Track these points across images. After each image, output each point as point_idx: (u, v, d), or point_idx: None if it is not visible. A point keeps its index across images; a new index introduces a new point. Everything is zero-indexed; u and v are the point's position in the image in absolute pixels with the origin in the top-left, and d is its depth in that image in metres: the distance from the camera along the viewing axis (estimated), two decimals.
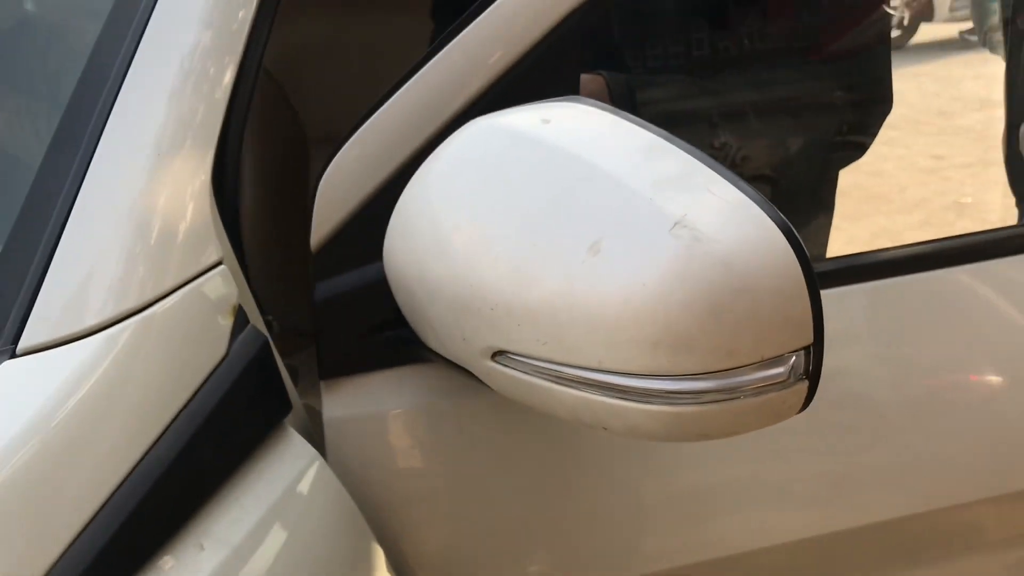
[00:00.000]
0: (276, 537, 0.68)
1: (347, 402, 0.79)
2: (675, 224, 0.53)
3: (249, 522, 0.66)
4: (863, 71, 1.34)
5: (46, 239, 0.66)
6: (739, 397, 0.55)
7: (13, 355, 0.62)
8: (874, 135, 1.31)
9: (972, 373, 0.93)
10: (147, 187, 0.69)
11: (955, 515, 0.93)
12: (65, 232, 0.66)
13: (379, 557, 0.76)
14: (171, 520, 0.63)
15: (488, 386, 0.73)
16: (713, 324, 0.52)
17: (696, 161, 0.57)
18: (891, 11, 1.44)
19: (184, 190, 0.71)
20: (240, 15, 0.79)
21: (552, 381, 0.60)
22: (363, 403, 0.79)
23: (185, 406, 0.65)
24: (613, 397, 0.57)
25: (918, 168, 4.04)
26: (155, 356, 0.65)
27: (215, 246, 0.72)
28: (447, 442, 0.79)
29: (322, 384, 0.79)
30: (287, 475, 0.71)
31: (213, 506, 0.66)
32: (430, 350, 0.74)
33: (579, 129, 0.62)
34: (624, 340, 0.54)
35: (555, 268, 0.57)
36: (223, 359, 0.69)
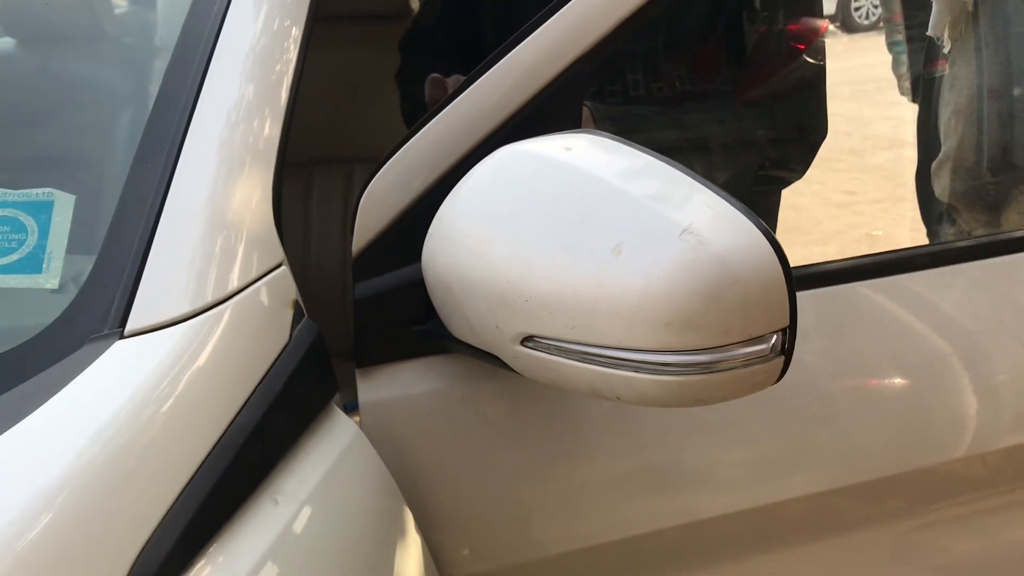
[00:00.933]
0: (333, 496, 0.80)
1: (380, 387, 0.91)
2: (683, 231, 0.68)
3: (311, 482, 0.78)
4: (800, 104, 1.54)
5: (138, 240, 0.77)
6: (730, 368, 0.69)
7: (122, 336, 0.73)
8: (810, 160, 1.51)
9: (883, 369, 1.08)
10: (223, 197, 0.81)
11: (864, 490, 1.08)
12: (157, 233, 0.77)
13: (409, 517, 0.88)
14: (252, 478, 0.74)
15: (506, 370, 0.86)
16: (713, 308, 0.67)
17: (695, 181, 0.72)
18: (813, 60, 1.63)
19: (252, 200, 0.83)
20: (287, 47, 0.91)
21: (576, 359, 0.74)
22: (394, 388, 0.91)
23: (260, 383, 0.77)
24: (628, 370, 0.72)
25: (832, 203, 4.30)
26: (236, 340, 0.77)
27: (279, 248, 0.84)
28: (466, 421, 0.92)
29: (358, 372, 0.92)
30: (338, 445, 0.83)
31: (282, 468, 0.78)
32: (456, 341, 0.87)
33: (597, 154, 0.76)
34: (641, 321, 0.68)
35: (584, 265, 0.71)
36: (286, 345, 0.81)
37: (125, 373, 0.70)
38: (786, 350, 0.71)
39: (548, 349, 0.76)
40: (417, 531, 0.88)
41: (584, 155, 0.76)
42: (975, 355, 1.09)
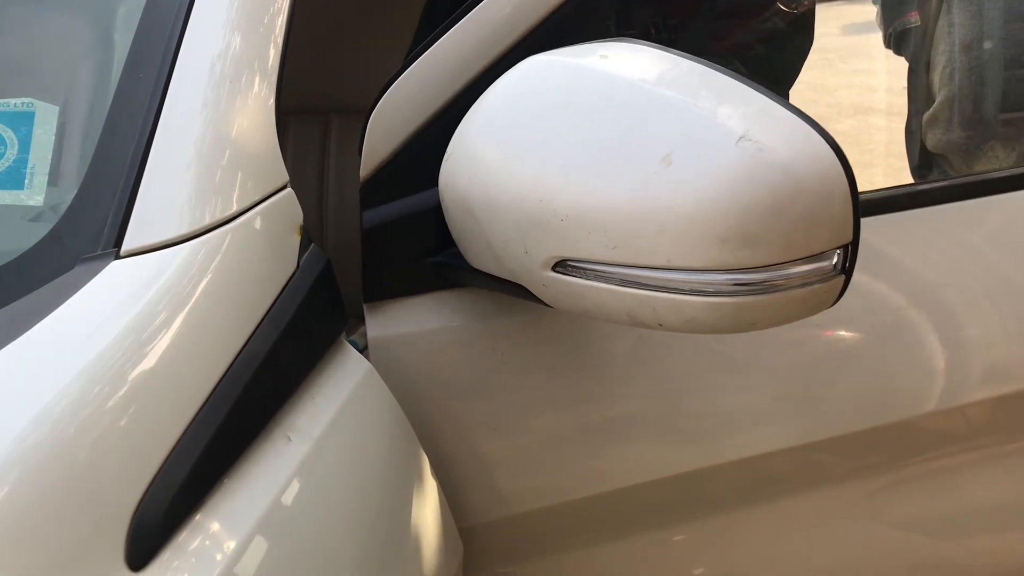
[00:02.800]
0: (346, 435, 0.74)
1: (390, 323, 0.85)
2: (740, 138, 0.62)
3: (324, 420, 0.72)
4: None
5: (132, 154, 0.70)
6: (789, 288, 0.64)
7: (118, 256, 0.66)
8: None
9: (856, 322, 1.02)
10: (224, 111, 0.74)
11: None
12: (152, 148, 0.70)
13: (424, 460, 0.82)
14: (264, 413, 0.68)
15: (527, 305, 0.81)
16: (774, 221, 0.62)
17: (748, 87, 0.66)
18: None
19: (254, 116, 0.76)
20: None
21: (614, 283, 0.68)
22: (405, 324, 0.85)
23: (269, 311, 0.70)
24: (675, 293, 0.66)
25: None
26: (242, 263, 0.70)
27: (283, 170, 0.77)
28: (482, 359, 0.86)
29: (365, 307, 0.85)
30: (350, 381, 0.77)
31: (294, 403, 0.71)
32: (474, 272, 0.81)
33: (636, 61, 0.70)
34: (695, 238, 0.63)
35: (628, 179, 0.65)
36: (294, 273, 0.75)
37: (123, 294, 0.63)
38: (847, 268, 0.66)
39: (583, 274, 0.70)
40: (433, 475, 0.83)
41: (622, 62, 0.70)
42: (943, 307, 1.05)
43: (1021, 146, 1.66)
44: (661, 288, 0.67)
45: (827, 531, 1.08)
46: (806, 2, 1.60)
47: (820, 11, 1.68)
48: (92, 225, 0.67)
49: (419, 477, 0.81)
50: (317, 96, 1.87)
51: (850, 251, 0.65)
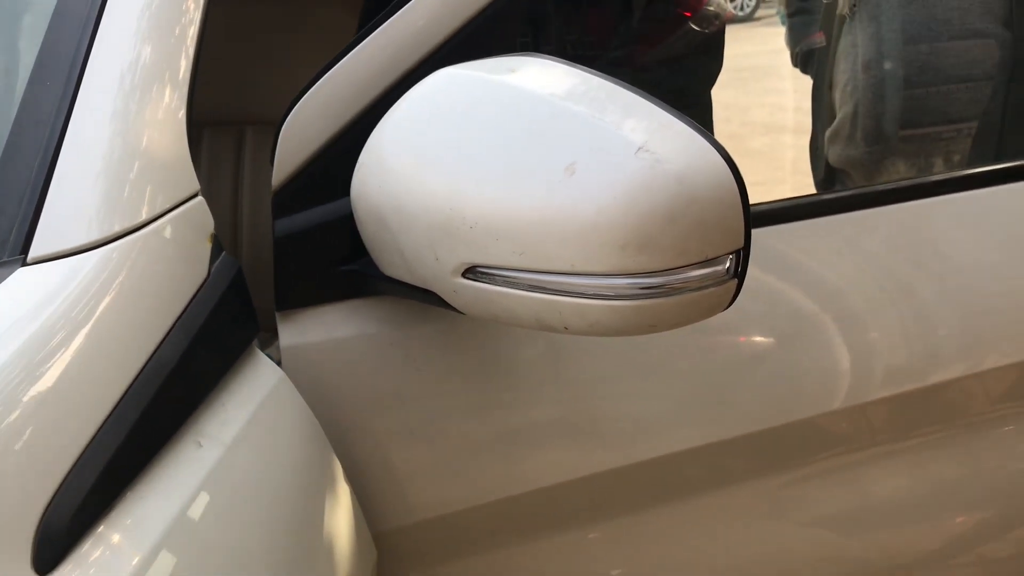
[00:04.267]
0: (258, 441, 0.74)
1: (302, 331, 0.86)
2: (638, 149, 0.66)
3: (235, 426, 0.73)
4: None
5: (39, 162, 0.70)
6: (685, 291, 0.67)
7: (24, 264, 0.65)
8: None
9: (759, 323, 1.06)
10: (133, 120, 0.74)
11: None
12: (60, 156, 0.70)
13: (337, 466, 0.83)
14: (173, 419, 0.68)
15: (438, 312, 0.83)
16: (670, 228, 0.65)
17: (648, 101, 0.69)
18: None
19: (164, 126, 0.76)
20: None
21: (522, 289, 0.71)
22: (318, 332, 0.86)
23: (179, 318, 0.71)
24: (580, 297, 0.69)
25: None
26: (152, 271, 0.70)
27: (194, 179, 0.77)
28: (395, 366, 0.88)
29: (278, 315, 0.86)
30: (262, 388, 0.77)
31: (204, 409, 0.72)
32: (386, 280, 0.83)
33: (543, 76, 0.73)
34: (597, 244, 0.66)
35: (534, 187, 0.67)
36: (205, 280, 0.75)
37: (30, 301, 0.63)
38: (739, 273, 0.69)
39: (492, 280, 0.72)
40: (346, 480, 0.84)
41: (531, 76, 0.73)
42: (847, 309, 1.09)
43: (920, 161, 1.75)
44: (566, 292, 0.69)
45: (736, 528, 1.12)
46: (716, 24, 1.66)
47: (732, 32, 1.74)
48: None
49: (332, 483, 0.82)
50: (232, 108, 1.86)
51: (742, 256, 0.68)
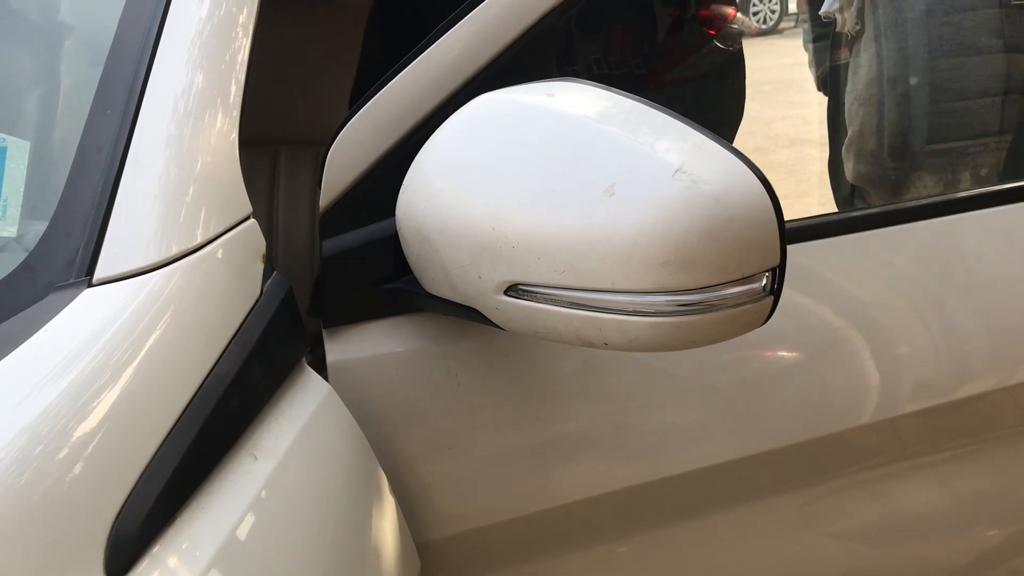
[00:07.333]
0: (309, 454, 0.77)
1: (349, 347, 0.89)
2: (676, 171, 0.68)
3: (288, 440, 0.75)
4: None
5: (102, 187, 0.73)
6: (724, 308, 0.70)
7: (90, 284, 0.69)
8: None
9: (789, 339, 1.07)
10: (189, 146, 0.77)
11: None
12: (121, 182, 0.73)
13: (383, 478, 0.86)
14: (230, 432, 0.71)
15: (480, 328, 0.85)
16: (708, 246, 0.67)
17: (683, 124, 0.72)
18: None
19: (219, 151, 0.80)
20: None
21: (563, 306, 0.73)
22: (363, 348, 0.89)
23: (235, 336, 0.74)
24: (619, 314, 0.71)
25: None
26: (209, 290, 0.73)
27: (246, 201, 0.81)
28: (438, 381, 0.90)
29: (325, 332, 0.89)
30: (311, 403, 0.80)
31: (259, 423, 0.75)
32: (429, 298, 0.85)
33: (581, 99, 0.76)
34: (636, 262, 0.68)
35: (575, 208, 0.70)
36: (258, 299, 0.78)
37: (97, 320, 0.66)
38: (776, 290, 0.71)
39: (533, 297, 0.75)
40: (391, 492, 0.86)
41: (568, 100, 0.76)
42: (875, 325, 1.11)
43: (946, 176, 1.76)
44: (606, 309, 0.72)
45: (767, 541, 1.13)
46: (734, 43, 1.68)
47: (755, 45, 1.76)
48: (65, 255, 0.69)
49: (377, 494, 0.85)
50: (267, 130, 1.91)
51: (778, 274, 0.71)
